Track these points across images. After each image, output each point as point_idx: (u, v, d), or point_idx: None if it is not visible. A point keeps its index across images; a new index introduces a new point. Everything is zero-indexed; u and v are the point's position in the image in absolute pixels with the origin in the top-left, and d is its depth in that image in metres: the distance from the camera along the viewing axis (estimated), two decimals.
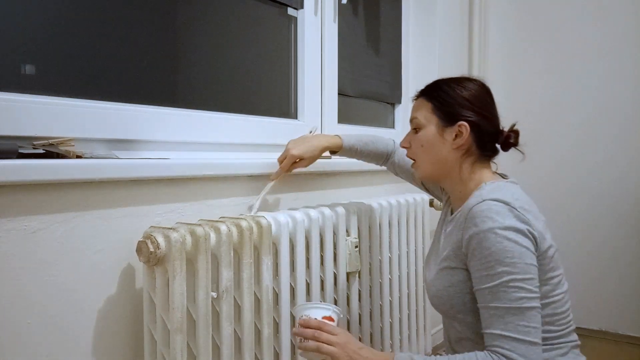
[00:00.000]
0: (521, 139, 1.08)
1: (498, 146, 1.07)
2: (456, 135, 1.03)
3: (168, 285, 0.96)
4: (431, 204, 1.85)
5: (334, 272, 1.37)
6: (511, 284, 0.88)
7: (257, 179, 1.30)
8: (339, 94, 1.77)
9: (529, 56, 2.51)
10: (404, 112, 2.20)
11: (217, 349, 1.05)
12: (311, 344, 0.97)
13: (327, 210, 1.33)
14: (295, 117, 1.63)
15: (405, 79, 2.20)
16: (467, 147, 1.04)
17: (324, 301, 1.32)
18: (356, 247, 1.41)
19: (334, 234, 1.36)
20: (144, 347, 1.01)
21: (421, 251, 1.76)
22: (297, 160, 1.26)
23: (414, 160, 1.11)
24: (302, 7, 1.62)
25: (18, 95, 0.94)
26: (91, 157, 0.98)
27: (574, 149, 2.41)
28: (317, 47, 1.67)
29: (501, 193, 0.96)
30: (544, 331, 0.93)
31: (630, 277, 2.29)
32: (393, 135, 2.11)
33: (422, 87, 1.12)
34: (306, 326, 0.99)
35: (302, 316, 1.03)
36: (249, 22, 1.48)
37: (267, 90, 1.55)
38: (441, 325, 2.17)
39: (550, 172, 2.45)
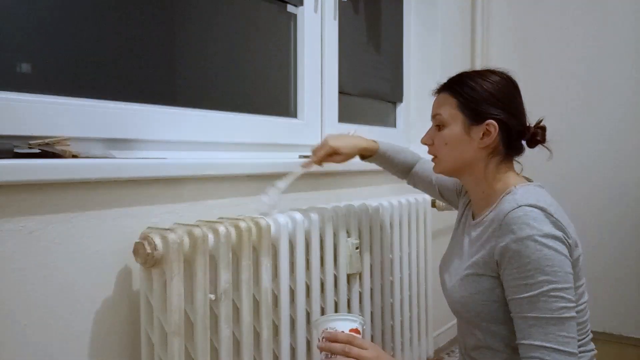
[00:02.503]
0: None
1: (524, 143, 1.03)
2: (483, 134, 0.99)
3: (165, 287, 0.95)
4: (433, 204, 1.83)
5: (334, 274, 1.35)
6: (552, 294, 0.86)
7: (257, 179, 1.29)
8: (339, 92, 1.76)
9: (532, 53, 2.49)
10: (405, 110, 2.18)
11: (215, 351, 1.04)
12: None
13: (327, 211, 1.31)
14: (295, 116, 1.61)
15: (407, 77, 2.18)
16: (494, 147, 1.00)
17: (323, 303, 1.31)
18: (357, 248, 1.40)
19: (334, 235, 1.35)
20: (141, 350, 1.00)
21: (423, 252, 1.75)
22: (333, 153, 1.22)
23: (435, 156, 1.07)
24: (302, 4, 1.60)
25: (14, 94, 0.93)
26: (87, 157, 0.97)
27: (576, 149, 2.39)
28: (317, 45, 1.65)
29: (535, 198, 0.93)
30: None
31: (632, 278, 2.27)
32: (394, 133, 2.10)
33: (444, 80, 1.07)
34: (334, 340, 0.94)
35: (326, 329, 0.97)
36: (248, 20, 1.47)
37: (266, 89, 1.54)
38: (443, 328, 2.17)
39: (552, 172, 2.43)
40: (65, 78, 1.04)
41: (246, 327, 1.08)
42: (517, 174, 1.04)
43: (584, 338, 0.98)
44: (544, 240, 0.87)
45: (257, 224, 1.11)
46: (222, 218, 1.14)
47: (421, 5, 2.20)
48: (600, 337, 2.29)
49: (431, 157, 1.10)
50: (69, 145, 0.96)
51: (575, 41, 2.39)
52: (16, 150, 0.88)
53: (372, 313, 1.49)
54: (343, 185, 1.64)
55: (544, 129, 1.04)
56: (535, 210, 0.90)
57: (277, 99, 1.58)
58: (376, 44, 1.99)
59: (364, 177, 1.73)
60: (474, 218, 1.07)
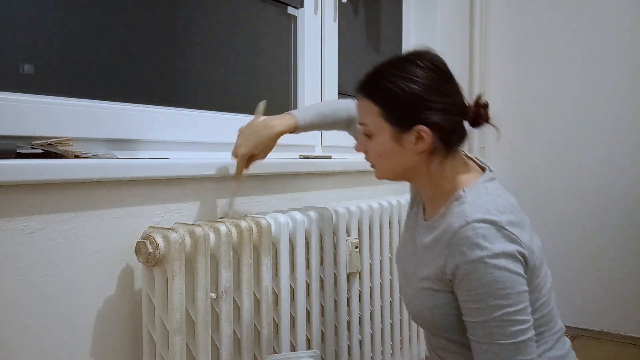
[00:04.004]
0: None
1: (466, 123, 0.93)
2: (417, 140, 0.89)
3: (167, 286, 0.96)
4: None
5: (334, 273, 1.36)
6: (505, 318, 0.81)
7: (257, 179, 1.30)
8: (339, 93, 1.77)
9: (531, 53, 2.50)
10: None
11: (216, 349, 1.05)
12: None
13: (326, 211, 1.32)
14: None
15: None
16: (432, 148, 0.90)
17: (324, 302, 1.31)
18: (356, 247, 1.41)
19: (334, 234, 1.35)
20: (143, 348, 1.00)
21: None
22: (251, 158, 1.13)
23: (372, 164, 0.99)
24: (302, 6, 1.61)
25: (16, 95, 0.93)
26: (90, 157, 0.98)
27: (579, 145, 2.39)
28: (317, 46, 1.66)
29: (485, 208, 0.85)
30: (538, 333, 0.88)
31: (631, 277, 2.28)
32: None
33: (362, 77, 0.94)
34: None
35: None
36: (249, 21, 1.48)
37: (267, 90, 1.55)
38: None
39: (551, 170, 2.44)
40: (67, 79, 1.05)
41: (247, 325, 1.09)
42: (465, 163, 0.96)
43: (552, 320, 0.93)
44: (494, 261, 0.81)
45: (257, 224, 1.11)
46: (223, 217, 1.15)
47: (420, 7, 2.21)
48: (596, 336, 2.30)
49: None
50: (71, 145, 0.97)
51: (573, 43, 2.40)
52: (19, 150, 0.89)
53: (371, 312, 1.50)
54: (343, 185, 1.65)
55: (486, 106, 0.92)
56: (485, 226, 0.83)
57: (278, 99, 1.59)
58: (375, 45, 2.00)
59: (363, 177, 1.74)
60: (425, 215, 1.01)
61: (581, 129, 2.39)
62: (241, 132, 1.14)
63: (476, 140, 2.39)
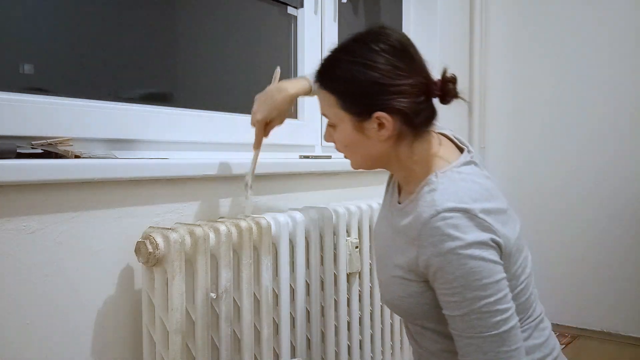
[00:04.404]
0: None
1: (435, 100, 0.88)
2: (379, 127, 0.85)
3: (167, 286, 0.96)
4: None
5: (334, 273, 1.36)
6: (484, 310, 0.77)
7: (257, 179, 1.30)
8: None
9: (531, 53, 2.50)
10: None
11: (216, 349, 1.05)
12: None
13: (326, 211, 1.32)
14: (295, 116, 1.62)
15: None
16: (397, 133, 0.86)
17: (323, 302, 1.31)
18: (356, 247, 1.41)
19: (334, 234, 1.35)
20: (143, 348, 1.00)
21: None
22: (268, 124, 1.13)
23: (344, 155, 0.96)
24: (302, 6, 1.61)
25: (17, 95, 0.94)
26: (90, 157, 0.98)
27: (579, 145, 2.39)
28: (317, 47, 1.66)
29: (457, 195, 0.81)
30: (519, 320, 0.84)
31: (631, 277, 2.28)
32: None
33: (319, 66, 0.92)
34: None
35: None
36: (249, 21, 1.48)
37: None
38: None
39: (553, 169, 2.44)
40: (67, 79, 1.05)
41: (247, 325, 1.09)
42: (439, 144, 0.91)
43: (530, 308, 0.90)
44: (467, 252, 0.77)
45: (257, 223, 1.11)
46: (223, 217, 1.15)
47: (420, 7, 2.21)
48: (597, 336, 2.30)
49: None
50: (71, 145, 0.97)
51: (573, 42, 2.40)
52: (19, 150, 0.89)
53: (371, 312, 1.50)
54: (342, 185, 1.65)
55: (453, 80, 0.86)
56: (456, 215, 0.79)
57: None
58: None
59: (363, 177, 1.74)
60: (399, 196, 0.97)
61: (582, 127, 2.38)
62: (256, 99, 1.12)
63: (476, 140, 2.39)
